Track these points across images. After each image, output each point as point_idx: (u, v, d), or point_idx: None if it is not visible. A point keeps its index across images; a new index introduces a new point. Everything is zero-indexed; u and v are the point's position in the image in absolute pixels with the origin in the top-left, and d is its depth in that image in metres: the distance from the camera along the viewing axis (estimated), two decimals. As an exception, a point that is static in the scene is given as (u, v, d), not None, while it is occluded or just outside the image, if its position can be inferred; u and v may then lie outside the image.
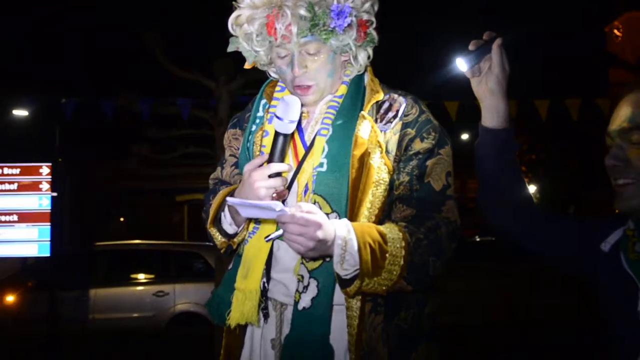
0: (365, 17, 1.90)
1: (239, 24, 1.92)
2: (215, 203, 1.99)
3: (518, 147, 1.81)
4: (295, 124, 1.82)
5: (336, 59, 1.92)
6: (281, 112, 1.81)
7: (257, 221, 1.96)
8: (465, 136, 28.76)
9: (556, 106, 8.44)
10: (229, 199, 1.76)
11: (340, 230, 1.68)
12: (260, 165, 1.82)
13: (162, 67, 7.06)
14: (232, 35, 1.97)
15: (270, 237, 1.78)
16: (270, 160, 1.82)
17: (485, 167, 1.83)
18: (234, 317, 1.92)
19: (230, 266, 2.04)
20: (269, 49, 1.94)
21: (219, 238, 2.01)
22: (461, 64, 1.73)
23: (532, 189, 32.29)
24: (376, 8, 1.93)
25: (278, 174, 1.82)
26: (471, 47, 1.73)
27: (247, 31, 1.90)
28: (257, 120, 2.06)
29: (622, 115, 1.54)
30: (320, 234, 1.62)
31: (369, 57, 1.96)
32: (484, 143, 1.80)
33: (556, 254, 1.82)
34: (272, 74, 2.08)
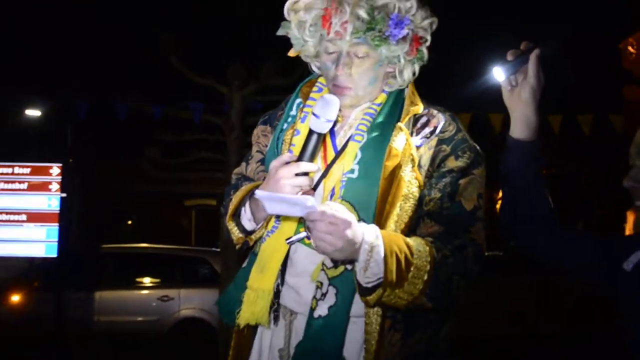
0: (420, 33, 1.87)
1: (296, 9, 1.89)
2: (237, 198, 1.96)
3: (545, 161, 1.78)
4: (332, 124, 1.79)
5: (381, 68, 1.89)
6: (319, 109, 1.78)
7: (277, 220, 1.91)
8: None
9: (569, 122, 8.42)
10: (257, 191, 1.70)
11: (368, 235, 1.64)
12: (288, 163, 1.78)
13: (176, 71, 7.08)
14: (284, 20, 1.94)
15: (292, 240, 1.75)
16: (300, 158, 1.78)
17: (511, 179, 1.81)
18: (244, 317, 1.88)
19: (245, 264, 2.00)
20: (319, 42, 1.90)
21: (236, 233, 1.97)
22: (499, 74, 1.71)
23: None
24: (434, 27, 1.90)
25: (305, 174, 1.78)
26: (509, 56, 1.71)
27: (301, 18, 1.87)
28: (290, 119, 2.02)
29: None
30: (349, 233, 1.59)
31: (414, 74, 1.93)
32: (512, 154, 1.78)
33: (578, 269, 1.80)
34: (315, 68, 2.04)
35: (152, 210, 23.25)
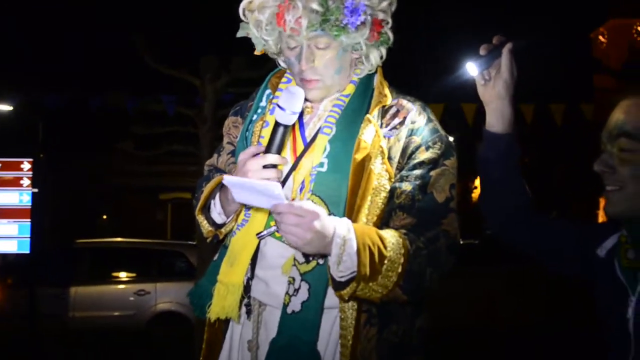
0: (380, 16, 1.84)
1: (251, 9, 1.86)
2: (206, 190, 1.93)
3: (520, 152, 1.79)
4: (297, 115, 1.76)
5: (346, 56, 1.86)
6: (284, 102, 1.75)
7: (247, 213, 1.89)
8: (450, 138, 28.80)
9: (541, 111, 8.49)
10: (226, 177, 1.68)
11: (340, 229, 1.62)
12: (256, 155, 1.75)
13: (148, 64, 7.03)
14: (241, 21, 1.91)
15: (262, 234, 1.73)
16: (267, 150, 1.75)
17: (487, 171, 1.82)
18: (214, 311, 1.86)
19: (216, 257, 1.98)
20: (279, 39, 1.89)
21: (206, 227, 1.95)
22: (472, 69, 1.71)
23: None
24: (393, 8, 1.88)
25: (273, 166, 1.75)
26: (482, 51, 1.70)
27: (257, 18, 1.85)
28: (259, 110, 2.00)
29: (612, 121, 1.54)
30: (317, 225, 1.56)
31: (381, 57, 1.90)
32: (487, 147, 1.79)
33: (555, 257, 1.81)
34: (281, 63, 2.02)
35: (127, 204, 23.12)
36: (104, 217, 24.48)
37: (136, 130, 7.92)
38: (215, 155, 2.13)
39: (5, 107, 13.79)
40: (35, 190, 6.53)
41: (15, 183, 6.46)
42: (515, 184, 1.81)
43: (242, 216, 1.90)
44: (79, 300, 9.15)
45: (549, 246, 1.80)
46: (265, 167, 1.73)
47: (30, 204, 6.48)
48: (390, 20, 1.87)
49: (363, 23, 1.79)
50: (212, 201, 1.94)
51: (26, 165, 6.51)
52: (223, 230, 1.94)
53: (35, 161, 6.63)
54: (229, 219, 1.92)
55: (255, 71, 6.74)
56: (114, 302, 9.37)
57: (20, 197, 6.46)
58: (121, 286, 9.60)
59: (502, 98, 1.73)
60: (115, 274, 9.75)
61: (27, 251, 6.49)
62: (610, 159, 1.53)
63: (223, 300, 1.85)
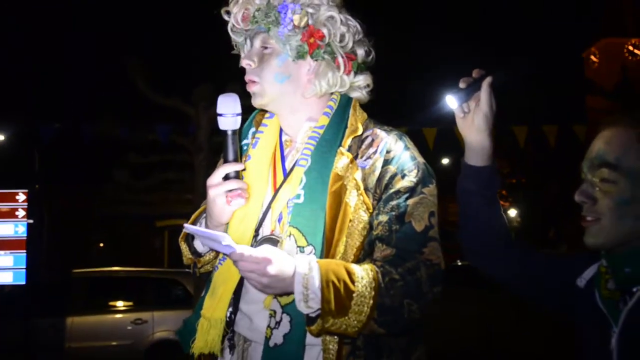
0: (323, 30, 1.85)
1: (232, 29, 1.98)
2: (191, 220, 1.98)
3: (501, 183, 1.80)
4: (240, 117, 1.80)
5: (288, 65, 1.88)
6: (222, 108, 1.80)
7: None
8: (445, 160, 28.92)
9: (534, 132, 8.54)
10: (186, 225, 1.74)
11: (300, 267, 1.63)
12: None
13: (142, 93, 7.06)
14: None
15: None
16: (225, 161, 1.80)
17: (466, 202, 1.81)
18: (198, 346, 1.85)
19: (203, 293, 1.97)
20: (244, 41, 1.96)
21: (186, 254, 1.98)
22: (451, 101, 1.71)
23: (512, 213, 32.52)
24: (349, 40, 1.88)
25: (236, 174, 1.80)
26: (461, 84, 1.70)
27: (230, 24, 1.96)
28: (245, 148, 2.01)
29: (594, 150, 1.53)
30: (271, 270, 1.58)
31: (328, 84, 1.89)
32: (467, 179, 1.78)
33: (532, 289, 1.80)
34: None
35: (123, 232, 23.05)
36: (100, 245, 24.41)
37: (130, 160, 7.94)
38: None
39: None
40: (31, 221, 6.52)
41: (10, 214, 6.45)
42: (494, 215, 1.80)
43: None
44: (76, 330, 9.08)
45: (527, 278, 1.79)
46: (227, 177, 1.77)
47: (25, 234, 6.47)
48: (337, 45, 1.87)
49: (297, 26, 1.82)
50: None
51: (21, 197, 6.51)
52: (202, 259, 1.96)
53: (30, 192, 6.62)
54: (209, 250, 1.94)
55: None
56: (111, 332, 9.29)
57: (16, 228, 6.44)
58: (118, 315, 9.53)
59: (481, 131, 1.71)
60: (112, 303, 9.68)
61: (23, 282, 6.47)
62: (590, 189, 1.52)
63: (206, 334, 1.85)
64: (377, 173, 1.81)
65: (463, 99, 1.70)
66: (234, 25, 1.94)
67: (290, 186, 1.85)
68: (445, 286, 1.79)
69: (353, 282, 1.65)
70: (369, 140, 1.87)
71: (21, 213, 6.47)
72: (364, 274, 1.67)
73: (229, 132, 1.79)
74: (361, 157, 1.84)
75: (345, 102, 1.94)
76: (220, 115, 1.79)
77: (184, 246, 1.99)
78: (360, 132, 1.89)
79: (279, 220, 1.85)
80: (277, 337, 1.73)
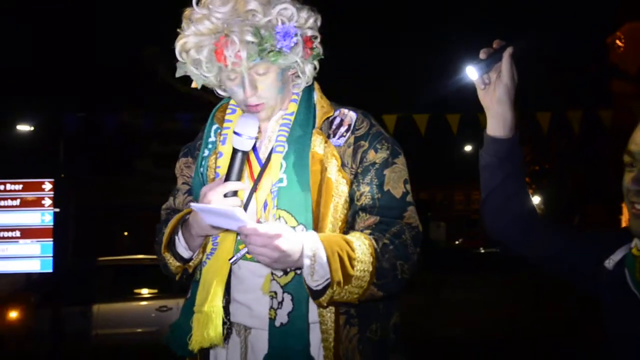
0: (309, 33, 1.92)
1: (186, 50, 1.91)
2: (168, 228, 1.98)
3: (522, 156, 1.79)
4: (254, 140, 1.88)
5: (285, 75, 1.94)
6: (241, 128, 1.87)
7: (215, 242, 1.94)
8: (468, 147, 28.77)
9: (558, 118, 8.45)
10: (192, 204, 1.77)
11: (307, 242, 1.71)
12: (217, 186, 1.84)
13: (164, 81, 7.10)
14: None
15: (235, 259, 1.79)
16: (227, 178, 1.85)
17: (489, 176, 1.80)
18: (196, 341, 1.88)
19: (189, 295, 2.02)
20: (218, 73, 1.94)
21: (174, 263, 1.99)
22: (472, 72, 1.70)
23: (536, 200, 32.31)
24: (319, 23, 1.96)
25: (234, 193, 1.85)
26: (482, 55, 1.70)
27: (195, 57, 1.90)
28: (210, 145, 2.06)
29: None
30: (282, 245, 1.65)
31: (315, 69, 1.98)
32: (488, 152, 1.77)
33: (558, 265, 1.79)
34: (222, 93, 2.07)
35: (147, 221, 23.25)
36: (125, 234, 24.64)
37: (153, 149, 8.00)
38: (171, 199, 2.18)
39: (26, 128, 13.97)
40: (57, 209, 6.60)
41: (37, 203, 6.53)
42: (517, 189, 1.80)
43: (210, 246, 1.96)
44: (102, 317, 9.20)
45: (551, 254, 1.78)
46: (226, 195, 1.82)
47: (52, 223, 6.54)
48: (318, 35, 1.95)
49: (296, 44, 1.86)
50: (176, 237, 1.98)
51: (47, 186, 6.59)
52: (191, 263, 1.99)
53: (57, 181, 6.70)
54: (195, 253, 1.97)
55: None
56: (137, 319, 9.39)
57: (42, 217, 6.53)
58: (143, 303, 9.63)
59: (502, 103, 1.71)
60: (137, 291, 9.78)
61: (50, 270, 6.55)
62: None
63: (203, 328, 1.87)
64: (350, 149, 1.92)
65: (484, 70, 1.70)
66: (208, 65, 1.90)
67: (271, 173, 1.91)
68: (470, 273, 1.80)
69: (353, 250, 1.75)
70: (338, 120, 1.98)
71: (47, 202, 6.55)
72: (360, 242, 1.78)
73: (239, 152, 1.87)
74: (334, 136, 1.95)
75: (308, 87, 2.03)
76: (237, 134, 1.87)
77: (168, 256, 2.00)
78: (332, 113, 1.99)
79: (264, 207, 1.90)
80: (282, 317, 1.80)
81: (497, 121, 1.74)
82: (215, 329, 1.86)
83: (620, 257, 1.59)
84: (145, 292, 9.78)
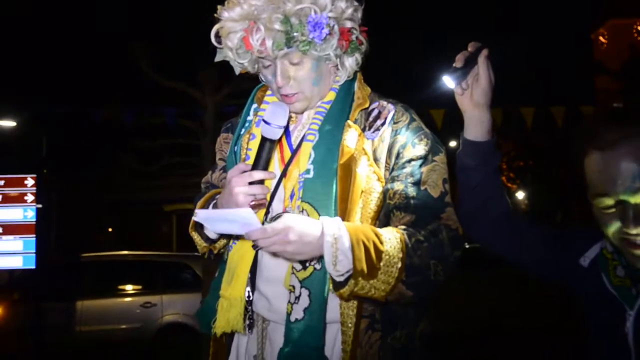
0: (348, 24, 1.84)
1: (222, 36, 1.89)
2: (198, 207, 1.94)
3: (501, 157, 1.79)
4: (283, 130, 1.79)
5: (321, 66, 1.88)
6: (269, 116, 1.78)
7: None
8: (453, 143, 28.88)
9: (542, 114, 8.50)
10: (197, 211, 1.74)
11: (329, 228, 1.62)
12: (244, 172, 1.78)
13: (148, 77, 7.05)
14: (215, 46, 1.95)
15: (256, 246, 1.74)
16: (254, 166, 1.78)
17: (467, 177, 1.81)
18: (220, 325, 1.87)
19: (217, 273, 1.99)
20: (254, 60, 1.90)
21: (200, 243, 1.98)
22: (448, 82, 1.70)
23: (520, 195, 32.45)
24: (360, 14, 1.89)
25: (261, 182, 1.79)
26: (457, 63, 1.69)
27: (227, 44, 1.87)
28: (247, 124, 2.02)
29: (625, 173, 1.37)
30: (293, 236, 1.58)
31: (357, 63, 1.92)
32: (466, 154, 1.78)
33: (534, 263, 1.78)
34: (263, 79, 2.02)
35: (131, 217, 23.14)
36: (109, 230, 24.52)
37: (138, 144, 7.95)
38: (210, 172, 2.16)
39: (8, 123, 13.85)
40: (40, 205, 6.55)
41: (19, 199, 6.47)
42: (493, 189, 1.80)
43: None
44: (86, 314, 9.16)
45: (527, 252, 1.77)
46: (252, 182, 1.75)
47: (34, 219, 6.49)
48: (357, 27, 1.88)
49: (330, 34, 1.80)
50: None
51: (30, 182, 6.53)
52: (217, 245, 1.96)
53: (39, 177, 6.64)
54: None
55: (256, 83, 6.76)
56: (121, 315, 9.37)
57: (25, 213, 6.47)
58: (127, 299, 9.60)
59: (480, 106, 1.71)
60: (121, 287, 9.75)
61: (33, 266, 6.50)
62: None
63: (227, 313, 1.87)
64: (386, 143, 1.83)
65: (460, 78, 1.70)
66: (240, 52, 1.88)
67: (299, 162, 1.86)
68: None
69: (381, 242, 1.66)
70: (375, 112, 1.90)
71: (30, 198, 6.49)
72: (390, 235, 1.69)
73: (268, 141, 1.79)
74: (369, 129, 1.86)
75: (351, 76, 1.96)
76: (267, 123, 1.78)
77: (195, 235, 1.98)
78: (367, 105, 1.91)
79: (291, 197, 1.85)
80: (298, 312, 1.75)
81: (475, 125, 1.74)
82: (237, 317, 1.85)
83: (594, 255, 1.59)
84: (129, 288, 9.75)
